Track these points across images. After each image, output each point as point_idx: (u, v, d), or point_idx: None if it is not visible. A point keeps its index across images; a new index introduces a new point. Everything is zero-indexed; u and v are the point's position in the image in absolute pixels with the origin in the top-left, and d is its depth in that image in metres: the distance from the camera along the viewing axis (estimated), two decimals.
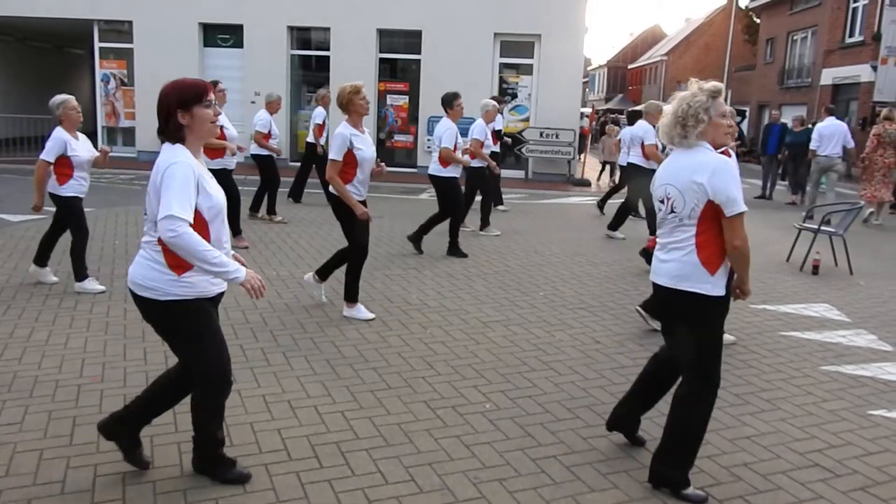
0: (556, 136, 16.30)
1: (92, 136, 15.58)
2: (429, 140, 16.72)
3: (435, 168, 8.17)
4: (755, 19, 41.67)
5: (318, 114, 11.50)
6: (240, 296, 6.12)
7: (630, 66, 65.60)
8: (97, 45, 17.69)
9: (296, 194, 11.85)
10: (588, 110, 24.31)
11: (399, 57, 17.21)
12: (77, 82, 24.19)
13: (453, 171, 8.14)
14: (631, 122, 11.80)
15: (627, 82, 66.23)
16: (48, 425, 3.68)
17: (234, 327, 5.34)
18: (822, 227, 8.21)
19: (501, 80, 16.87)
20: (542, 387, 4.43)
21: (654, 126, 9.43)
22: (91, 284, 6.20)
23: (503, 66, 16.87)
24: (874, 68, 22.28)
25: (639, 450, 3.67)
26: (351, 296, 5.66)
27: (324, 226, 9.74)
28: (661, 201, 3.22)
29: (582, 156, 18.22)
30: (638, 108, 23.13)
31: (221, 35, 17.23)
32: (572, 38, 16.37)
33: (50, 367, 4.50)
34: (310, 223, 9.96)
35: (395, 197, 13.40)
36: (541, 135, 16.30)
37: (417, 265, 7.49)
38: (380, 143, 17.43)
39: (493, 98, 11.30)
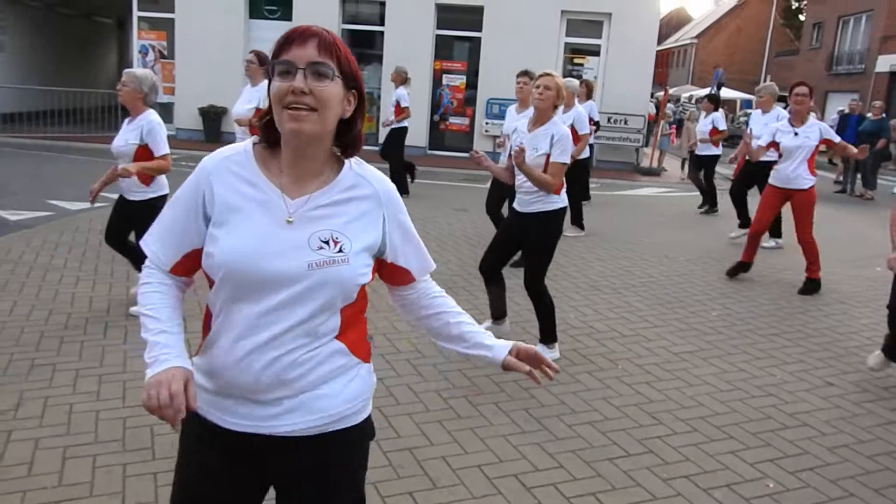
0: (625, 122, 15.32)
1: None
2: (487, 123, 15.77)
3: None
4: (794, 3, 40.42)
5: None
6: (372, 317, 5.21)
7: (657, 49, 64.16)
8: (135, 13, 16.62)
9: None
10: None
11: (457, 34, 16.16)
12: (106, 53, 23.22)
13: None
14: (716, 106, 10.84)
15: (654, 65, 64.82)
16: None
17: (386, 357, 4.44)
18: None
19: (567, 62, 15.83)
20: (817, 453, 3.51)
21: (762, 111, 8.36)
22: None
23: (569, 47, 15.84)
24: None
25: None
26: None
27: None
28: None
29: (651, 145, 17.20)
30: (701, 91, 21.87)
31: (269, 6, 16.19)
32: (645, 18, 15.34)
33: None
34: None
35: (460, 185, 12.44)
36: (608, 120, 15.28)
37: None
38: (433, 126, 16.46)
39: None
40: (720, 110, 11.01)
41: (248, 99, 6.73)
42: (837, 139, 6.59)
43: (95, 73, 21.77)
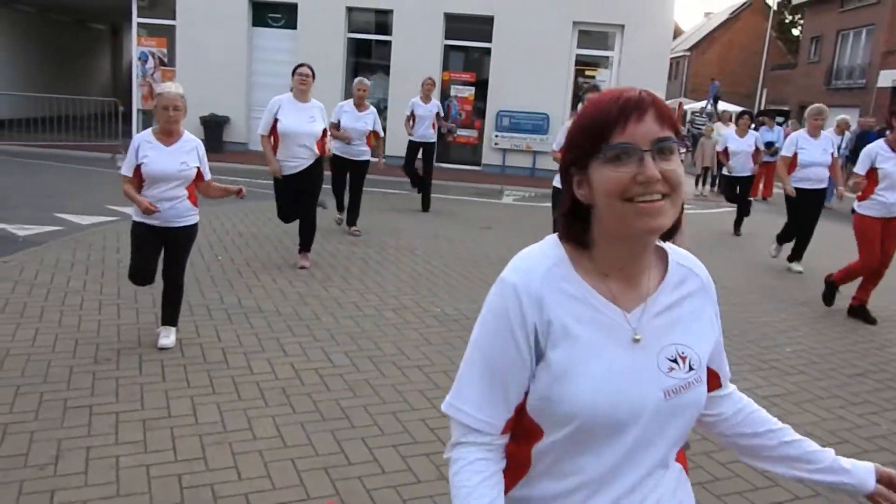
0: None
1: (127, 120, 13.95)
2: (497, 136, 15.45)
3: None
4: (787, 16, 40.59)
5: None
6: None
7: None
8: (135, 20, 16.16)
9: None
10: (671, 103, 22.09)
11: (467, 44, 15.83)
12: (99, 60, 22.70)
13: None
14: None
15: None
16: None
17: None
18: None
19: (577, 74, 15.54)
20: None
21: (812, 135, 7.49)
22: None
23: (580, 58, 15.54)
24: None
25: None
26: None
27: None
28: None
29: None
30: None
31: (272, 14, 15.80)
32: (658, 29, 15.08)
33: (253, 475, 3.20)
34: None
35: (474, 200, 12.08)
36: None
37: None
38: (440, 138, 16.07)
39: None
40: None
41: (311, 117, 6.33)
42: None
43: (88, 81, 21.26)
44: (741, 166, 9.88)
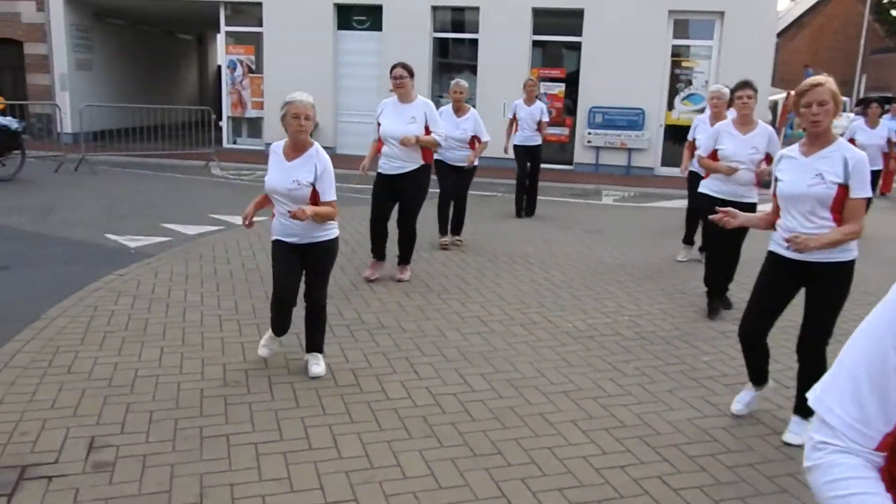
0: None
1: (217, 127, 13.79)
2: (589, 133, 14.92)
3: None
4: None
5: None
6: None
7: None
8: (223, 28, 16.34)
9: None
10: (779, 97, 20.62)
11: (556, 39, 15.35)
12: (187, 69, 23.16)
13: (709, 187, 5.67)
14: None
15: None
16: None
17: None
18: None
19: (674, 66, 14.86)
20: None
21: None
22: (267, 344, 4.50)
23: (676, 49, 14.85)
24: None
25: None
26: None
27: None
28: None
29: None
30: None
31: (357, 17, 15.68)
32: (761, 15, 14.24)
33: None
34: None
35: (571, 201, 11.62)
36: None
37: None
38: None
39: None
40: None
41: (412, 118, 6.08)
42: None
43: (177, 90, 21.70)
44: (870, 161, 9.11)
